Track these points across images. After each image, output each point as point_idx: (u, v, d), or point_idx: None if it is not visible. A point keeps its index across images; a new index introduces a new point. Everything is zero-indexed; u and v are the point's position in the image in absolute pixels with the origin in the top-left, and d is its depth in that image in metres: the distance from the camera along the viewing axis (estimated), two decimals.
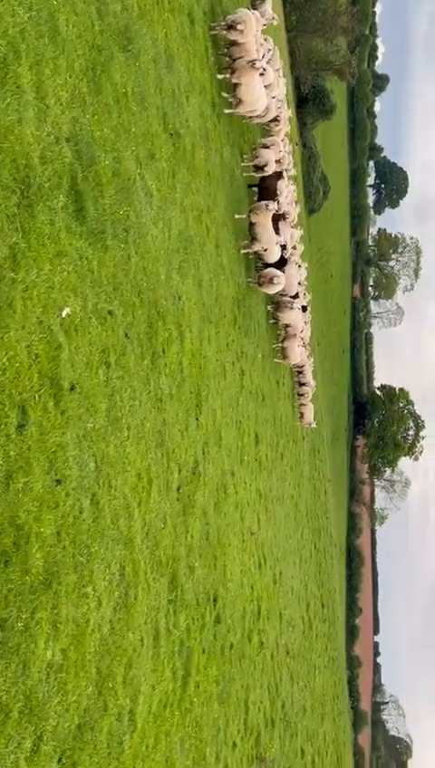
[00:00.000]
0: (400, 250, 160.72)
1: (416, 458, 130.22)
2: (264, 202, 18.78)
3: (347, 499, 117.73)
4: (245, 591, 16.40)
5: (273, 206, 18.54)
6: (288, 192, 25.32)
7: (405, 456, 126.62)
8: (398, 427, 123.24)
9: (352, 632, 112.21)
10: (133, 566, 8.04)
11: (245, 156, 21.27)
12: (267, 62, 21.02)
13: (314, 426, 36.97)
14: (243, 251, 19.64)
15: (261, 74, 17.57)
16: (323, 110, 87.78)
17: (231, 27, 16.62)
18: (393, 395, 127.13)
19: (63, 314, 6.70)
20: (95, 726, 6.41)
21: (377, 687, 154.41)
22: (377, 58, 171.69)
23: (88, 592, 6.61)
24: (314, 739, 29.82)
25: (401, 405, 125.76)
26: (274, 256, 20.75)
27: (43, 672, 5.61)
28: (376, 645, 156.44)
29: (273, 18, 25.01)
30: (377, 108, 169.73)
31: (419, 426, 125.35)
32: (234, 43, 17.16)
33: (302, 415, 35.18)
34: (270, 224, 18.90)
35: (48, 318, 6.23)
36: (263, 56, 17.34)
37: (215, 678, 12.10)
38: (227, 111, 17.97)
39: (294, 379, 34.17)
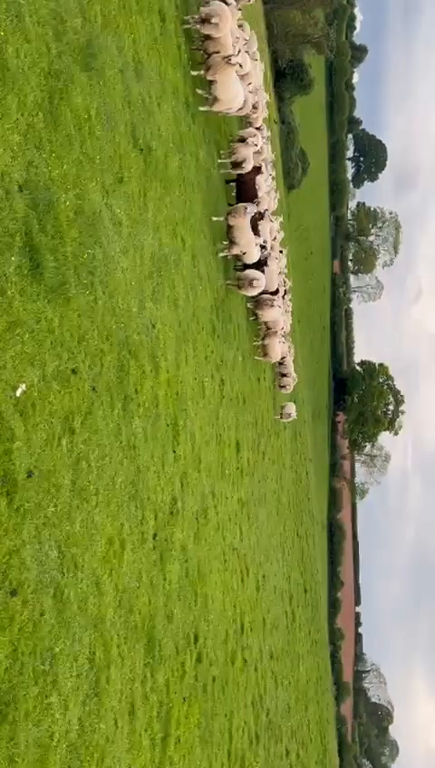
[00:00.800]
0: (379, 225, 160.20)
1: (395, 433, 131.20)
2: (242, 204, 17.94)
3: (328, 474, 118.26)
4: (227, 614, 15.87)
5: (251, 208, 17.71)
6: (267, 185, 24.45)
7: (385, 430, 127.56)
8: (378, 402, 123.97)
9: (333, 605, 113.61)
10: (104, 647, 7.39)
11: (222, 152, 20.38)
12: (244, 50, 20.10)
13: (294, 417, 36.37)
14: (221, 254, 18.84)
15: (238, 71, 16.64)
16: (300, 85, 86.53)
17: (205, 21, 15.65)
18: (373, 371, 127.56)
19: (18, 393, 5.95)
20: None
21: (358, 657, 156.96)
22: (355, 28, 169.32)
23: (52, 702, 5.95)
24: (297, 733, 29.73)
25: (381, 380, 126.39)
26: (253, 258, 19.98)
27: None
28: (357, 615, 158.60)
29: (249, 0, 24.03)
30: (355, 78, 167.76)
31: (398, 401, 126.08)
32: (208, 37, 16.20)
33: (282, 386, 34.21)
34: (249, 226, 18.09)
35: None
36: (238, 51, 16.37)
37: (197, 723, 11.56)
38: (202, 109, 17.06)
39: (275, 371, 33.56)
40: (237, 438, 20.24)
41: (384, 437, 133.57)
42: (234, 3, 16.89)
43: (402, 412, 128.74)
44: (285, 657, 28.06)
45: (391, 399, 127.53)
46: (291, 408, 33.67)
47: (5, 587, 5.39)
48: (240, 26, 21.34)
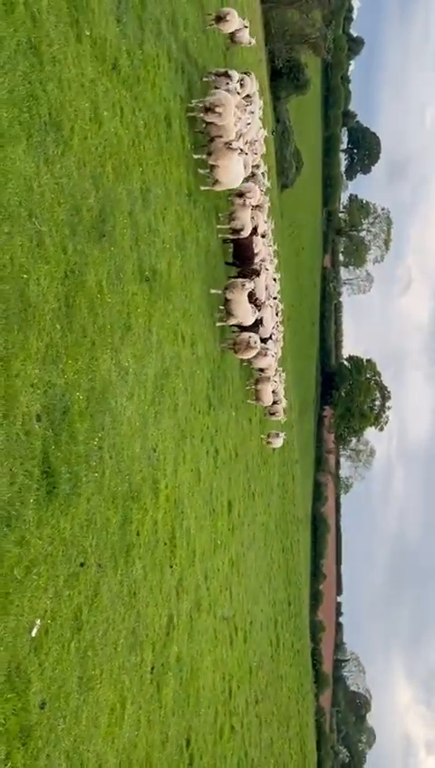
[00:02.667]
0: (371, 220, 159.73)
1: (381, 428, 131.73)
2: (239, 280, 18.15)
3: (313, 468, 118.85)
4: (217, 690, 16.31)
5: (249, 284, 17.93)
6: (263, 239, 24.65)
7: (371, 426, 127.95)
8: (365, 397, 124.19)
9: (315, 598, 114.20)
10: None
11: (220, 214, 20.53)
12: (246, 103, 20.26)
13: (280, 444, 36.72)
14: (218, 324, 19.07)
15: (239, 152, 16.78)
16: (297, 85, 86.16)
17: (209, 110, 15.79)
18: (361, 366, 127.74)
19: (33, 633, 6.23)
20: None
21: (338, 646, 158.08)
22: (352, 20, 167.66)
23: None
24: (280, 760, 30.39)
25: (369, 376, 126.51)
26: (249, 322, 20.20)
27: None
28: (339, 605, 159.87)
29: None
30: (351, 68, 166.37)
31: (385, 396, 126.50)
32: (212, 123, 16.33)
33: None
34: (246, 300, 18.32)
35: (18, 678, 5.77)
36: (240, 136, 16.54)
37: None
38: (203, 188, 17.22)
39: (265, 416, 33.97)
40: (229, 499, 20.60)
41: (370, 432, 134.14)
42: (237, 87, 17.03)
43: (389, 408, 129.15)
44: (268, 691, 28.60)
45: (378, 395, 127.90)
46: (277, 441, 33.95)
47: None
48: (246, 75, 21.43)
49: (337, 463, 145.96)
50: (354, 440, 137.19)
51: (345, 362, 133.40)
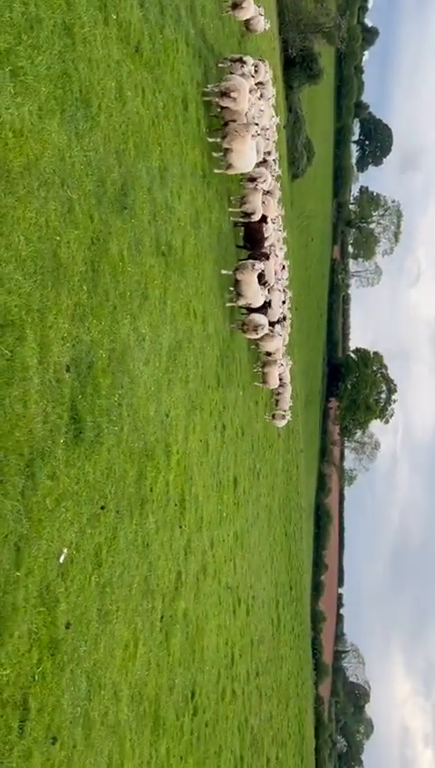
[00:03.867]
0: (381, 212, 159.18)
1: (386, 421, 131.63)
2: (250, 262, 18.76)
3: (318, 459, 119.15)
4: (220, 654, 17.02)
5: (259, 266, 18.53)
6: (274, 226, 25.22)
7: (376, 418, 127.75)
8: (371, 390, 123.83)
9: (317, 588, 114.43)
10: (120, 747, 8.46)
11: (232, 198, 21.11)
12: (259, 89, 20.80)
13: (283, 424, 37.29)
14: (228, 304, 19.69)
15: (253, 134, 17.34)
16: (310, 75, 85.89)
17: (224, 94, 16.36)
18: (368, 358, 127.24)
19: (61, 560, 6.92)
20: None
21: (339, 637, 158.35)
22: (367, 9, 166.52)
23: None
24: (278, 736, 31.13)
25: (375, 368, 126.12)
26: (258, 304, 20.79)
27: None
28: (340, 597, 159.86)
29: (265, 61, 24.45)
30: (365, 59, 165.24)
31: (391, 389, 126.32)
32: (226, 107, 16.90)
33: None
34: (255, 281, 18.91)
35: (48, 593, 6.46)
36: (254, 117, 17.10)
37: None
38: (217, 172, 17.80)
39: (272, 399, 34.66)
40: (235, 475, 21.26)
41: (375, 425, 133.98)
42: (251, 70, 17.57)
43: (394, 401, 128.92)
44: (269, 666, 29.33)
45: (384, 388, 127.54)
46: (281, 422, 34.55)
47: (48, 739, 6.40)
48: (256, 71, 21.97)
49: (342, 455, 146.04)
50: (359, 432, 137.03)
51: (352, 354, 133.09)
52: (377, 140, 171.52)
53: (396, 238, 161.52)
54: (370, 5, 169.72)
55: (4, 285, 5.95)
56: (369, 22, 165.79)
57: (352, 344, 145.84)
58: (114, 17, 9.38)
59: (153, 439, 10.95)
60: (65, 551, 7.03)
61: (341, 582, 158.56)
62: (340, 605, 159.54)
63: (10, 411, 5.97)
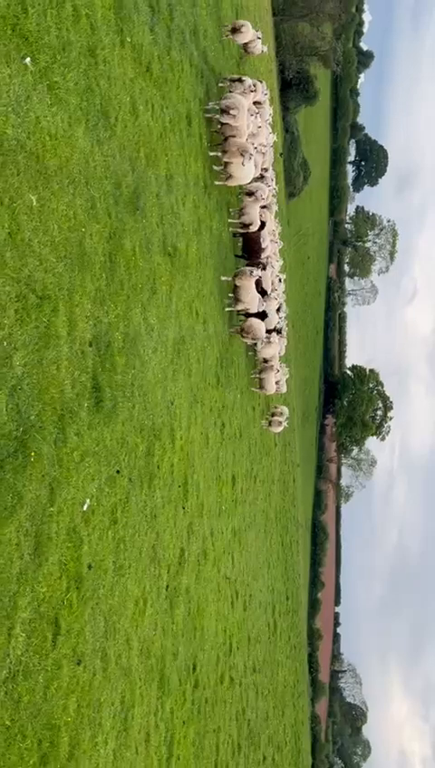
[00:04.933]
0: (376, 232, 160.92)
1: (383, 438, 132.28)
2: (248, 268, 19.89)
3: (314, 476, 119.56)
4: (219, 639, 17.90)
5: (256, 272, 19.67)
6: (270, 232, 26.40)
7: (373, 435, 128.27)
8: (367, 407, 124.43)
9: (313, 606, 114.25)
10: (131, 690, 9.41)
11: (231, 210, 22.30)
12: (257, 109, 21.99)
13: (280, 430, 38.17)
14: (227, 309, 20.80)
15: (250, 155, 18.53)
16: (306, 96, 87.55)
17: (225, 112, 17.56)
18: (364, 376, 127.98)
19: (85, 508, 7.93)
20: None
21: (336, 656, 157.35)
22: (362, 33, 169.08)
23: (98, 741, 7.96)
24: (274, 738, 31.79)
25: (371, 386, 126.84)
26: (255, 309, 21.91)
27: None
28: (336, 615, 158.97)
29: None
30: (361, 81, 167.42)
31: (387, 407, 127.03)
32: (226, 123, 18.10)
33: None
34: (253, 287, 20.04)
35: (75, 534, 7.48)
36: (253, 142, 18.32)
37: (192, 741, 13.60)
38: (217, 183, 18.98)
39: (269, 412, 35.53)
40: (233, 473, 22.25)
41: (371, 442, 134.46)
42: (251, 86, 18.79)
43: (390, 418, 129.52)
44: (265, 667, 30.08)
45: (380, 405, 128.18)
46: (278, 428, 35.46)
47: (75, 660, 7.38)
48: (254, 89, 23.23)
49: (338, 472, 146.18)
50: (356, 449, 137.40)
51: (348, 371, 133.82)
52: (373, 161, 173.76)
53: (392, 257, 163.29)
54: (365, 29, 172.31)
55: (43, 264, 7.01)
56: (365, 45, 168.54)
57: (349, 362, 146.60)
58: (129, 40, 10.55)
59: (160, 421, 11.98)
60: (88, 501, 8.04)
61: (338, 601, 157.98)
62: (337, 624, 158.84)
63: (47, 371, 7.01)
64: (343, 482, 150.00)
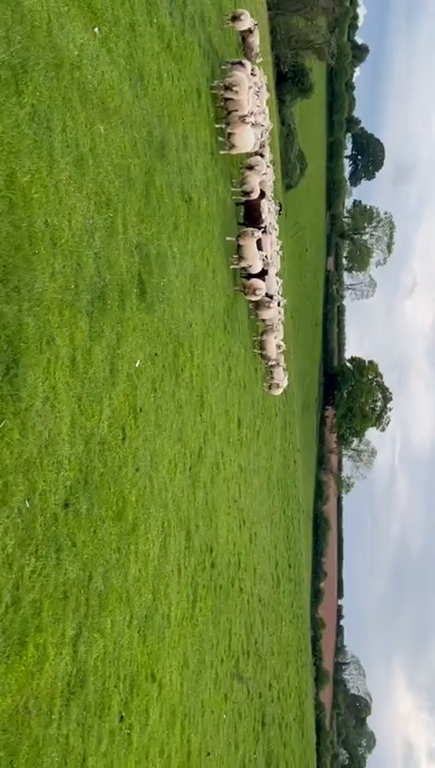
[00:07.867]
0: (374, 224, 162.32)
1: (383, 429, 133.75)
2: (250, 229, 22.64)
3: (315, 467, 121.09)
4: (229, 547, 20.62)
5: (257, 233, 22.40)
6: (269, 206, 29.15)
7: (372, 426, 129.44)
8: (366, 398, 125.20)
9: (316, 595, 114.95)
10: (168, 522, 12.16)
11: (234, 180, 25.06)
12: (258, 105, 24.73)
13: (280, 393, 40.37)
14: (232, 266, 23.55)
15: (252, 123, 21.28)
16: (301, 89, 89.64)
17: (228, 88, 20.31)
18: (363, 367, 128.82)
19: (137, 365, 10.68)
20: (155, 615, 10.60)
21: (339, 649, 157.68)
22: (357, 27, 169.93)
23: (149, 537, 10.71)
24: (279, 678, 34.32)
25: (371, 377, 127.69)
26: (257, 269, 24.65)
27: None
28: (340, 608, 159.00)
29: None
30: (356, 74, 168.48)
31: (386, 398, 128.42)
32: (229, 99, 20.85)
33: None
34: (255, 246, 22.79)
35: (132, 381, 10.24)
36: (252, 112, 21.08)
37: (211, 608, 16.34)
38: (222, 152, 21.74)
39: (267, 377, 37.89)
40: (239, 416, 24.98)
41: (372, 433, 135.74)
42: (250, 67, 21.55)
43: (390, 409, 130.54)
44: (270, 609, 32.63)
45: (380, 396, 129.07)
46: (277, 390, 37.90)
47: (133, 466, 10.11)
48: (253, 73, 25.98)
49: (339, 463, 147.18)
50: (356, 441, 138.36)
51: (347, 363, 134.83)
52: (369, 155, 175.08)
53: (389, 249, 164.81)
54: (360, 23, 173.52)
55: (108, 177, 9.75)
56: (360, 39, 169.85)
57: (348, 355, 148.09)
58: (155, 21, 13.32)
59: (183, 334, 14.73)
60: (138, 361, 10.79)
61: (340, 593, 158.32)
62: (340, 616, 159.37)
63: (112, 254, 9.76)
64: (344, 473, 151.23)
